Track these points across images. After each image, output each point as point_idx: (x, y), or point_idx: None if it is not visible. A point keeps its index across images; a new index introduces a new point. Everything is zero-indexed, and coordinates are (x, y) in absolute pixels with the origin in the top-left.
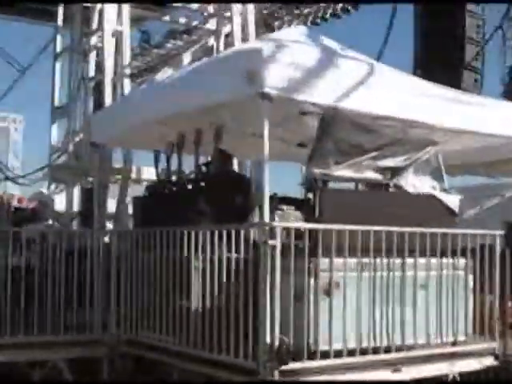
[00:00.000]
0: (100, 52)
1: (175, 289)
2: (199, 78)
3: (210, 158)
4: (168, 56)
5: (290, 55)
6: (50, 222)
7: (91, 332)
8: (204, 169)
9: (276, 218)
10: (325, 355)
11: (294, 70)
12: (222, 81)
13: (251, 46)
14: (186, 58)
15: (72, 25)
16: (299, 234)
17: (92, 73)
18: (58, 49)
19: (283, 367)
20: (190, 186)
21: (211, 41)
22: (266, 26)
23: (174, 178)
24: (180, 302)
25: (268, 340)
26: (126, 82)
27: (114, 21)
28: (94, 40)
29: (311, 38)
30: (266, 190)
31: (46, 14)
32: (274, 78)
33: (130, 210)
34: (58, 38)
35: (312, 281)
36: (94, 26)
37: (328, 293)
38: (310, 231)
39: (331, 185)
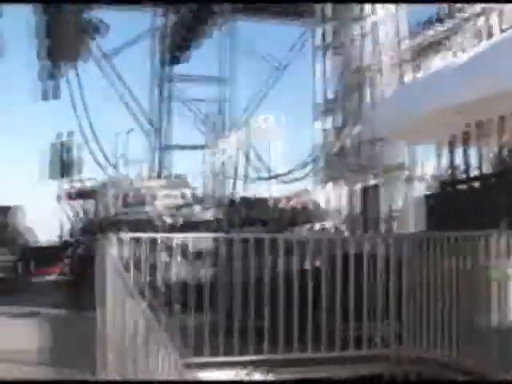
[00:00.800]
0: (372, 39)
1: (475, 301)
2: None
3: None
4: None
5: None
6: (325, 223)
7: (369, 348)
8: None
9: None
10: None
11: None
12: None
13: None
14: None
15: (333, 15)
16: None
17: (366, 61)
18: (318, 42)
19: None
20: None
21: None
22: None
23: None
24: (480, 317)
25: None
26: (407, 68)
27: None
28: (357, 29)
29: None
30: None
31: (296, 14)
32: None
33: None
34: (318, 31)
35: None
36: (356, 12)
37: None
38: None
39: None
